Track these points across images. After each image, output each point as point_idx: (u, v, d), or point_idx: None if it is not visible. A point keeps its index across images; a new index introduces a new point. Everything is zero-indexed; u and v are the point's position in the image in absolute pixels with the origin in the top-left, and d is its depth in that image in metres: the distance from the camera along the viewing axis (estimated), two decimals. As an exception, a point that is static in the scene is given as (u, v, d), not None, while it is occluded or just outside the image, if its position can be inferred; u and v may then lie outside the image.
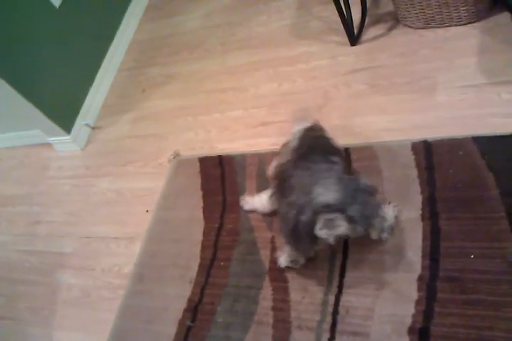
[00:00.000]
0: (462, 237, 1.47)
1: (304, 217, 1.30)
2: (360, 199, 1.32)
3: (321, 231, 1.30)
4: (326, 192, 1.30)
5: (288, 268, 1.63)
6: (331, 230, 1.30)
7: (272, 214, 1.77)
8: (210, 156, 2.13)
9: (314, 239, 1.34)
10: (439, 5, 1.95)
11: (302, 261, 1.60)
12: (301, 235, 1.35)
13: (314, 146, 1.51)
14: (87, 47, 2.69)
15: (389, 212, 1.56)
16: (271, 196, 1.70)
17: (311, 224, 1.30)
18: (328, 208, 1.28)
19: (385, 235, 1.54)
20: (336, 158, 1.46)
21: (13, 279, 2.16)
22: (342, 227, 1.29)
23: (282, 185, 1.56)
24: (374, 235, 1.52)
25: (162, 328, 1.71)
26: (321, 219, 1.29)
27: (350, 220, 1.28)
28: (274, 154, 1.95)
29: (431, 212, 1.56)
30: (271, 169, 1.84)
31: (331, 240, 1.32)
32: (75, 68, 2.60)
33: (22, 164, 2.69)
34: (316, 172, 1.39)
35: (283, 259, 1.62)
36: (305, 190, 1.34)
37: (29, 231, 2.32)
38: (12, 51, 2.25)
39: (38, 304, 2.01)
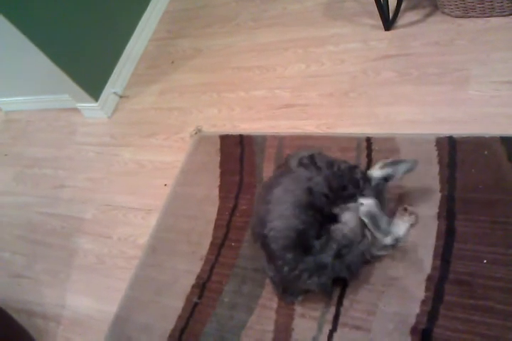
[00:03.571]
0: (477, 240, 1.37)
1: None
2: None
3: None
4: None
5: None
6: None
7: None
8: (232, 135, 2.04)
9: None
10: (482, -7, 1.78)
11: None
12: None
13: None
14: (120, 15, 2.59)
15: (400, 224, 1.45)
16: None
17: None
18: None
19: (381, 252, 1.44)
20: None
21: (34, 240, 2.15)
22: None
23: None
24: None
25: (170, 301, 1.68)
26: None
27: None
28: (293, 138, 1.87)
29: (448, 212, 1.45)
30: None
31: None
32: (107, 36, 2.51)
33: (51, 127, 2.65)
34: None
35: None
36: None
37: (53, 194, 2.30)
38: (45, 18, 2.16)
39: (55, 267, 2.00)
